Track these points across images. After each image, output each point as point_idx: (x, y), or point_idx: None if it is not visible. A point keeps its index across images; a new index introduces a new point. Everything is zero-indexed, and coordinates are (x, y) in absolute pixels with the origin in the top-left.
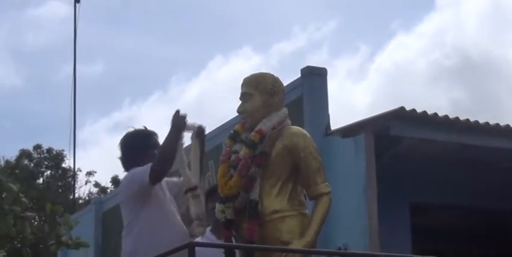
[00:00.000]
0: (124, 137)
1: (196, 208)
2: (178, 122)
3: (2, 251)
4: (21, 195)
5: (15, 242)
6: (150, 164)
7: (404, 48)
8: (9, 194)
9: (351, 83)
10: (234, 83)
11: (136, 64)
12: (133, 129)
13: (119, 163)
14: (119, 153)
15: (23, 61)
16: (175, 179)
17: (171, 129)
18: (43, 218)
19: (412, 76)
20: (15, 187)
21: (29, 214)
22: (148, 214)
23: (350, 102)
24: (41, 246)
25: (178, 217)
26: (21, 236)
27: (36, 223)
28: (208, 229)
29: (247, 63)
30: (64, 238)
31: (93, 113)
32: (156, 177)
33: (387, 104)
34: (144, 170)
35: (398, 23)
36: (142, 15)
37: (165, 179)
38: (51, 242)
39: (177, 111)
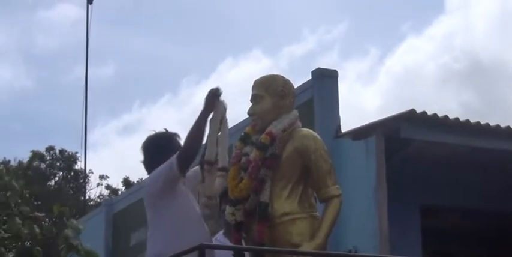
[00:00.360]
0: (146, 140)
1: (217, 185)
2: (211, 98)
3: (11, 252)
4: (25, 192)
5: (25, 242)
6: (174, 156)
7: (414, 51)
8: (13, 193)
9: (361, 85)
10: (244, 86)
11: (146, 66)
12: (154, 132)
13: (131, 165)
14: (141, 157)
15: (33, 63)
16: (190, 172)
17: (202, 111)
18: (53, 219)
19: (421, 79)
20: (17, 185)
21: (38, 214)
22: (174, 213)
23: (360, 105)
24: (51, 249)
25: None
26: (30, 236)
27: (46, 224)
28: (221, 232)
29: (257, 65)
30: (75, 242)
31: (104, 115)
32: (184, 162)
33: (397, 107)
34: (169, 162)
35: (408, 26)
36: (153, 17)
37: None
38: (61, 246)
39: (212, 89)
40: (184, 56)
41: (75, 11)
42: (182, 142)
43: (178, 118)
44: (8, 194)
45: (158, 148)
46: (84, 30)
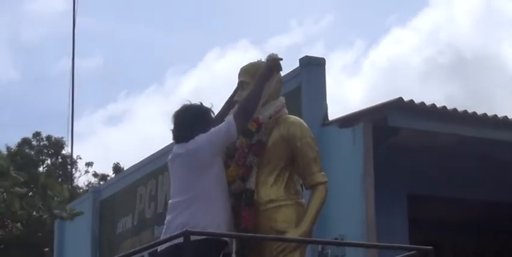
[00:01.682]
0: (182, 109)
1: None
2: (273, 66)
3: None
4: (11, 168)
5: (4, 218)
6: (228, 119)
7: (399, 44)
8: None
9: (346, 77)
10: (231, 76)
11: (133, 56)
12: (189, 102)
13: (118, 153)
14: (172, 125)
15: (20, 54)
16: None
17: (262, 76)
18: (37, 191)
19: (406, 72)
20: (5, 163)
21: (19, 189)
22: (215, 182)
23: (344, 96)
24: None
25: None
26: (10, 212)
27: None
28: None
29: (244, 56)
30: (56, 211)
31: (90, 104)
32: (244, 121)
33: (381, 99)
34: (226, 125)
35: (394, 18)
36: (140, 7)
37: None
38: (44, 216)
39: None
40: (171, 46)
41: (61, 2)
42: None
43: (164, 108)
44: None
45: (195, 118)
46: (70, 21)
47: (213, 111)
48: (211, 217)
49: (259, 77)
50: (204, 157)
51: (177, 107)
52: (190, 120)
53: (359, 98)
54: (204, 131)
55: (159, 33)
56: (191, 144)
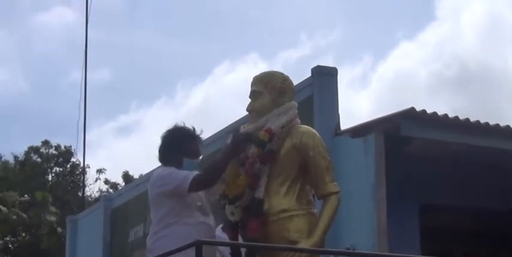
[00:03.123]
0: (168, 131)
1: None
2: (238, 140)
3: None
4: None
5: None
6: (194, 172)
7: (406, 58)
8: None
9: (353, 92)
10: (240, 89)
11: (143, 68)
12: (182, 125)
13: (128, 164)
14: (159, 144)
15: (31, 66)
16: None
17: (228, 145)
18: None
19: (413, 85)
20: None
21: (24, 199)
22: (180, 214)
23: (352, 110)
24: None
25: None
26: (20, 221)
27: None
28: (220, 227)
29: (253, 70)
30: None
31: (101, 116)
32: (196, 187)
33: (388, 113)
34: (186, 177)
35: (401, 33)
36: (150, 20)
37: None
38: (44, 232)
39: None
40: (181, 59)
41: (71, 14)
42: (199, 147)
43: (174, 120)
44: None
45: (173, 144)
46: (80, 32)
47: (200, 140)
48: (173, 241)
49: (226, 150)
50: (153, 195)
51: (173, 124)
52: (164, 145)
53: (366, 112)
54: (180, 158)
55: (169, 46)
56: (155, 176)
